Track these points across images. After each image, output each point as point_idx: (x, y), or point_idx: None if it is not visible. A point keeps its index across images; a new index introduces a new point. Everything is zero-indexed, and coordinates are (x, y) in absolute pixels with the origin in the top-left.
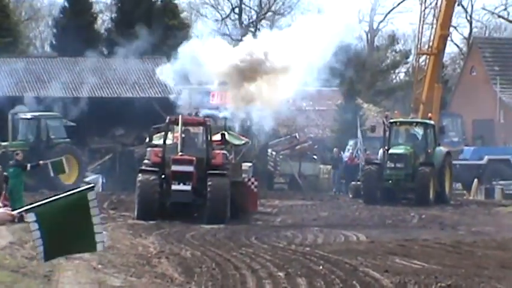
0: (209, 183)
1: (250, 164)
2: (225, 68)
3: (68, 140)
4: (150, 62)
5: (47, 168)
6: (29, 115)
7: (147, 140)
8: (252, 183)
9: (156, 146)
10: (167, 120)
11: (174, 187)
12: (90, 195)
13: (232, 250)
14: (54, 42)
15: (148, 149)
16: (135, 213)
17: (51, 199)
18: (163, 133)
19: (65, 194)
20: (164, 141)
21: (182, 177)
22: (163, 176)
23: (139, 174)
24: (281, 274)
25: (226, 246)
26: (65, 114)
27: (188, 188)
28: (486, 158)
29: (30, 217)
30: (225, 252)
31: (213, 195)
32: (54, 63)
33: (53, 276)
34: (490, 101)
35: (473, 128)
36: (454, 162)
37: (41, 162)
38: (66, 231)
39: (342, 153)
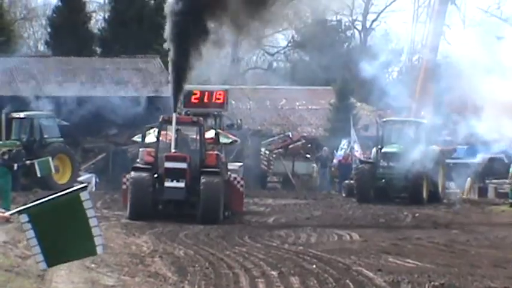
0: (202, 181)
1: (240, 164)
2: None
3: (61, 139)
4: (143, 61)
5: (34, 167)
6: (22, 114)
7: (140, 139)
8: (238, 182)
9: (148, 145)
10: (160, 120)
11: (167, 184)
12: (83, 196)
13: (225, 249)
14: (48, 41)
15: (141, 149)
16: (128, 212)
17: (43, 200)
18: (155, 132)
19: (57, 195)
20: (157, 140)
21: (175, 174)
22: (156, 176)
23: (132, 172)
24: (274, 273)
25: (220, 246)
26: (58, 114)
27: (182, 185)
28: (479, 156)
29: (23, 218)
30: (218, 251)
31: (206, 193)
32: (48, 62)
33: (47, 275)
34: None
35: (466, 126)
36: (448, 161)
37: (27, 162)
38: (64, 235)
39: (335, 152)
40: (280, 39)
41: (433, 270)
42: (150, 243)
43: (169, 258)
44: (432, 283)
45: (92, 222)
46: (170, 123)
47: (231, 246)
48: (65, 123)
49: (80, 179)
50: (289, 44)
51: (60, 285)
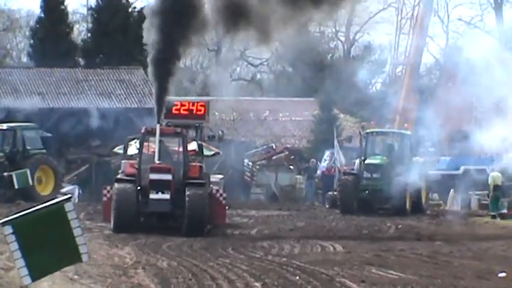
0: (187, 193)
1: (221, 176)
2: None
3: (44, 150)
4: (127, 72)
5: (12, 179)
6: (4, 126)
7: (122, 151)
8: (221, 195)
9: (130, 157)
10: (143, 130)
11: (152, 196)
12: (68, 207)
13: (208, 261)
14: (30, 52)
15: (123, 161)
16: (112, 224)
17: (27, 211)
18: (136, 144)
19: (42, 206)
20: (140, 152)
21: (160, 185)
22: (139, 188)
23: (116, 184)
24: (258, 285)
25: (203, 257)
26: (42, 125)
27: (167, 196)
28: (462, 168)
29: (7, 230)
30: (202, 262)
31: (191, 205)
32: (31, 73)
33: (30, 287)
34: (467, 111)
35: (450, 138)
36: (431, 172)
37: (5, 174)
38: (48, 246)
39: (318, 163)
40: (264, 50)
41: (416, 282)
42: (133, 255)
43: (152, 270)
44: None
45: (76, 232)
46: (153, 134)
47: (214, 258)
48: (48, 134)
49: (62, 190)
50: (273, 56)
51: None
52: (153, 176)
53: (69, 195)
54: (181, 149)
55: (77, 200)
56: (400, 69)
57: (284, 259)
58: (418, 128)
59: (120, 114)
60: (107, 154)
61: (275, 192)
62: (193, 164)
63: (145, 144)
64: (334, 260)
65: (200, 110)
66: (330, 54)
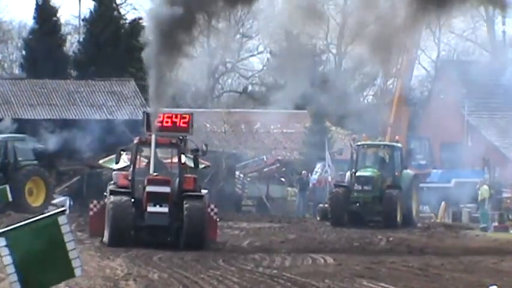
0: (186, 206)
1: (206, 191)
2: None
3: (35, 162)
4: (118, 84)
5: None
6: None
7: (108, 164)
8: (212, 209)
9: (119, 169)
10: (136, 141)
11: (150, 209)
12: (62, 220)
13: (199, 273)
14: (22, 63)
15: (114, 172)
16: (106, 239)
17: (21, 224)
18: (127, 155)
19: (36, 219)
20: (133, 163)
21: (158, 198)
22: (133, 200)
23: (111, 196)
24: None
25: (194, 269)
26: (33, 136)
27: (165, 209)
28: (454, 181)
29: (1, 242)
30: (193, 274)
31: (190, 218)
32: (23, 85)
33: None
34: (458, 124)
35: (441, 150)
36: (422, 185)
37: None
38: (41, 260)
39: (309, 175)
40: (255, 62)
41: None
42: (124, 266)
43: (143, 282)
44: None
45: (70, 245)
46: (147, 145)
47: (205, 270)
48: (39, 145)
49: (54, 201)
50: (264, 68)
51: None
52: (151, 189)
53: (63, 208)
54: (175, 160)
55: (68, 212)
56: (391, 81)
57: (275, 271)
58: (410, 140)
59: (111, 125)
60: (99, 166)
61: (266, 205)
62: (188, 175)
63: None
64: (325, 272)
65: (184, 123)
66: (322, 67)
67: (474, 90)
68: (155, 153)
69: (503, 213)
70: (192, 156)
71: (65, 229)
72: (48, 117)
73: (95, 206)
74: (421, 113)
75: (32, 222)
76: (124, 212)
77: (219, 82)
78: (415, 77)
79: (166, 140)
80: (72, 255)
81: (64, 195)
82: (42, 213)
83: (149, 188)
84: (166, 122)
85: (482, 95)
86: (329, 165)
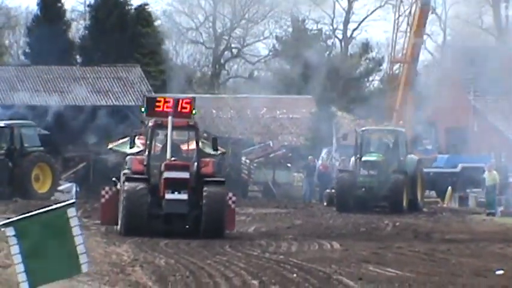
0: (205, 192)
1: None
2: None
3: (41, 148)
4: (124, 70)
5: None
6: (2, 123)
7: (130, 146)
8: (230, 198)
9: (128, 155)
10: (151, 124)
11: (168, 196)
12: (70, 212)
13: (206, 258)
14: (27, 50)
15: (128, 157)
16: (120, 227)
17: (29, 214)
18: (139, 140)
19: (44, 210)
20: (149, 147)
21: (177, 184)
22: (148, 187)
23: (126, 183)
24: (255, 282)
25: (200, 255)
26: (39, 123)
27: (184, 197)
28: (460, 166)
29: (9, 231)
30: (199, 260)
31: (209, 205)
32: (28, 71)
33: None
34: (464, 109)
35: (447, 135)
36: (428, 170)
37: None
38: (48, 253)
39: (316, 161)
40: (261, 48)
41: (414, 279)
42: (131, 252)
43: (150, 267)
44: None
45: (78, 240)
46: (162, 128)
47: (211, 255)
48: (45, 132)
49: (60, 188)
50: (270, 53)
51: None
52: (169, 174)
53: (72, 201)
54: (193, 144)
55: (74, 198)
56: (397, 66)
57: (281, 257)
58: (416, 125)
59: (117, 111)
60: (105, 152)
61: (272, 190)
62: (207, 159)
63: (140, 139)
64: (331, 257)
65: (185, 108)
66: (328, 52)
67: (480, 75)
68: (166, 136)
69: (510, 198)
70: (207, 142)
71: (73, 222)
72: (54, 103)
73: (106, 192)
74: (426, 98)
75: (40, 213)
76: (139, 200)
77: (225, 68)
78: (420, 62)
79: (183, 122)
80: (80, 249)
81: (70, 182)
82: (50, 204)
83: (167, 174)
84: (167, 107)
85: (488, 80)
86: (336, 150)
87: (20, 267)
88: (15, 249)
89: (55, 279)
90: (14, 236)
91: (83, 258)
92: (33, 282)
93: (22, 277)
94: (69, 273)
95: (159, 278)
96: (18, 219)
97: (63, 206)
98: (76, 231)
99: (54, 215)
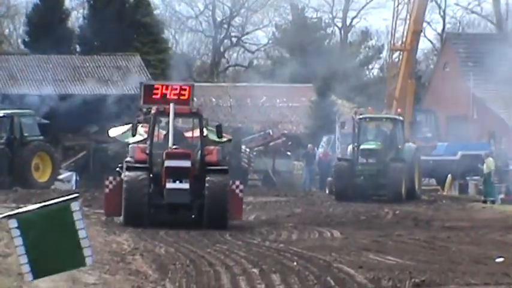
0: (207, 181)
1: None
2: None
3: (41, 137)
4: (123, 59)
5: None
6: (1, 113)
7: (132, 134)
8: (237, 186)
9: (129, 144)
10: (153, 111)
11: (169, 185)
12: (74, 206)
13: (206, 247)
14: (26, 39)
15: (131, 146)
16: (122, 217)
17: (33, 207)
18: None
19: (48, 203)
20: (151, 135)
21: (178, 173)
22: (151, 176)
23: (126, 172)
24: (255, 270)
25: (201, 243)
26: (38, 112)
27: (186, 186)
28: (460, 153)
29: (12, 223)
30: (199, 249)
31: (212, 195)
32: (27, 60)
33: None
34: (464, 97)
35: (447, 123)
36: (428, 158)
37: None
38: (52, 246)
39: (316, 149)
40: (261, 36)
41: (414, 267)
42: (131, 241)
43: (150, 256)
44: (413, 280)
45: (81, 233)
46: (165, 115)
47: (212, 244)
48: (45, 121)
49: (60, 177)
50: (270, 42)
51: (41, 284)
52: (170, 163)
53: (76, 195)
54: (197, 131)
55: (74, 187)
56: (397, 54)
57: (282, 245)
58: (416, 113)
59: (117, 100)
60: (105, 140)
61: (272, 178)
62: (211, 147)
63: (145, 127)
64: (331, 246)
65: (184, 95)
66: (327, 40)
67: (480, 62)
68: (174, 124)
69: (510, 185)
70: (213, 129)
71: (77, 216)
72: (54, 92)
73: (110, 182)
74: (426, 86)
75: (44, 206)
76: (140, 189)
77: (225, 56)
78: (420, 50)
79: (186, 109)
80: (83, 243)
81: (70, 171)
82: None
83: (168, 163)
84: (165, 94)
85: (487, 68)
86: (338, 139)
87: (23, 259)
88: (18, 240)
89: (58, 272)
90: (17, 228)
91: (87, 252)
92: (36, 274)
93: (25, 268)
94: (73, 266)
95: (159, 267)
96: (21, 212)
97: (67, 199)
98: (80, 224)
99: (58, 209)
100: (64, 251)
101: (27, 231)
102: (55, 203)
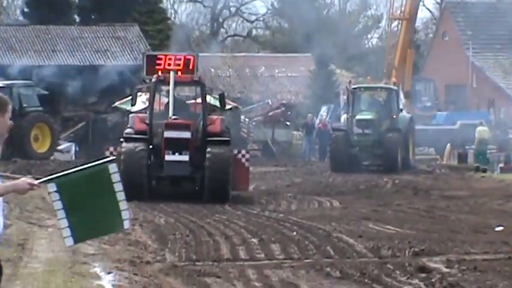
0: (208, 152)
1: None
2: None
3: (40, 108)
4: (122, 29)
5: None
6: (0, 84)
7: (124, 106)
8: (243, 155)
9: (131, 113)
10: (154, 79)
11: (168, 157)
12: (112, 168)
13: (205, 217)
14: (25, 10)
15: (131, 115)
16: None
17: (70, 171)
18: (142, 97)
19: (85, 166)
20: (151, 104)
21: (177, 145)
22: (151, 147)
23: (124, 143)
24: (255, 240)
25: (200, 213)
26: (38, 83)
27: (185, 158)
28: (459, 122)
29: (51, 187)
30: (199, 219)
31: (212, 167)
32: (26, 31)
33: (27, 244)
34: (463, 65)
35: (446, 92)
36: (427, 127)
37: None
38: (92, 209)
39: (315, 119)
40: (260, 6)
41: (413, 236)
42: (130, 212)
43: (149, 226)
44: (412, 249)
45: (120, 196)
46: (166, 83)
47: (211, 214)
48: (43, 92)
49: (59, 147)
50: (269, 11)
51: (40, 254)
52: (169, 134)
53: (113, 157)
54: (199, 101)
55: (73, 157)
56: (396, 24)
57: (281, 215)
58: (415, 82)
59: (115, 71)
60: (104, 111)
61: (272, 148)
62: (214, 117)
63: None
64: (331, 215)
65: (188, 65)
66: (326, 10)
67: (478, 31)
68: (174, 93)
69: (509, 154)
70: (217, 96)
71: (115, 178)
72: (53, 63)
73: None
74: (425, 55)
75: (82, 169)
76: (138, 161)
77: (223, 26)
78: (419, 19)
79: (188, 77)
80: (122, 206)
81: (69, 141)
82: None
83: (167, 134)
84: (169, 65)
85: (486, 36)
86: (343, 109)
87: (63, 223)
88: (57, 204)
89: (98, 235)
90: (56, 191)
91: (125, 215)
92: (76, 238)
93: (66, 232)
94: (112, 229)
95: (158, 237)
96: (59, 176)
97: (105, 161)
98: (118, 187)
99: (96, 171)
100: (103, 213)
101: (67, 194)
102: (93, 166)
